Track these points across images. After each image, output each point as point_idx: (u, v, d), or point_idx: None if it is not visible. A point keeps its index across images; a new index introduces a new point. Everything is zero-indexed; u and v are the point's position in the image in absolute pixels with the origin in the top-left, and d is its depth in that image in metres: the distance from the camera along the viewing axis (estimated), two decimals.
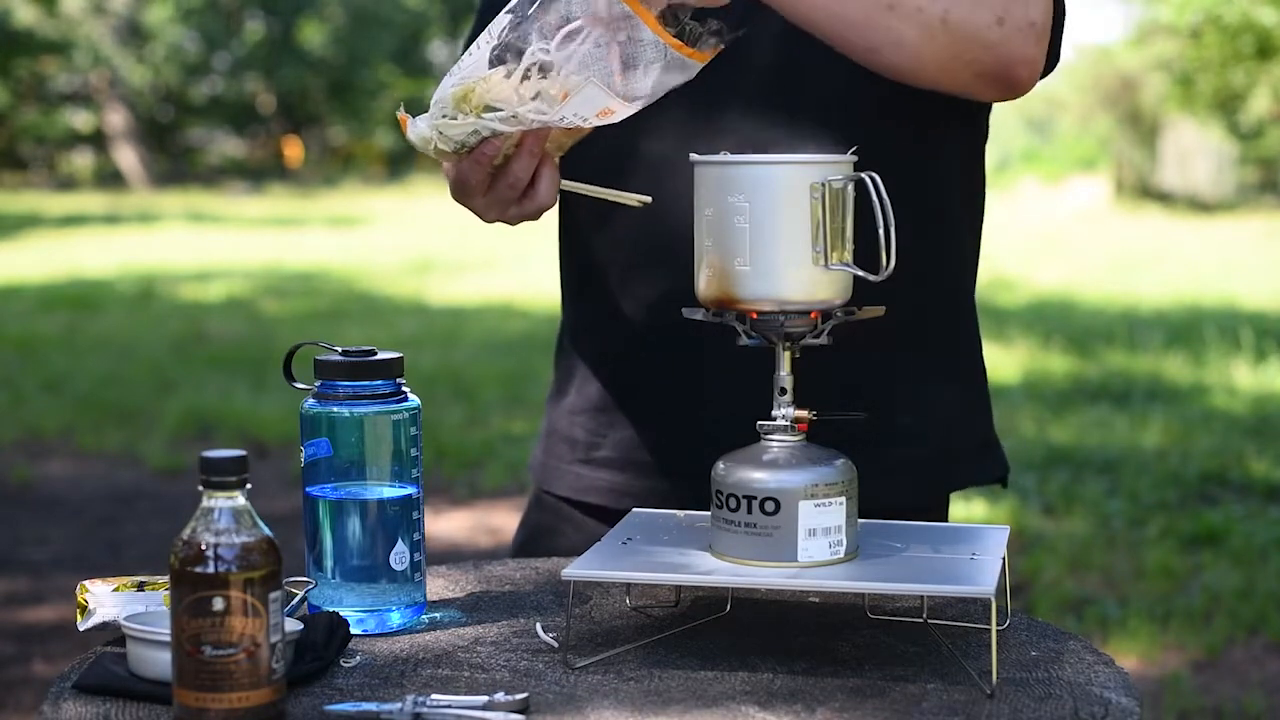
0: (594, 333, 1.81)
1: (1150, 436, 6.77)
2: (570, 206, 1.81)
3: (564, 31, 1.42)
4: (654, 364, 1.74)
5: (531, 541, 1.87)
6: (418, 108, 1.50)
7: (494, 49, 1.44)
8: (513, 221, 1.58)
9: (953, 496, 1.84)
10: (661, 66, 1.43)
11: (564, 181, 1.56)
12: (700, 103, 1.65)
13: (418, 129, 1.48)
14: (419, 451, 1.49)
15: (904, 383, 1.74)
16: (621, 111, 1.45)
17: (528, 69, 1.43)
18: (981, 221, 1.81)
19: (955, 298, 1.78)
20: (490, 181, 1.52)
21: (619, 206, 1.63)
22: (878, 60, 1.55)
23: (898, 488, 1.71)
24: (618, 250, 1.75)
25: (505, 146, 1.48)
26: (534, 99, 1.43)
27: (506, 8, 1.45)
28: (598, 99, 1.43)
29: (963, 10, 1.52)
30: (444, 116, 1.46)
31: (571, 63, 1.43)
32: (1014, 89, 1.58)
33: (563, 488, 1.83)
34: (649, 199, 1.58)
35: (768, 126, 1.66)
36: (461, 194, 1.56)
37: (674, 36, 1.43)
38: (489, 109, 1.44)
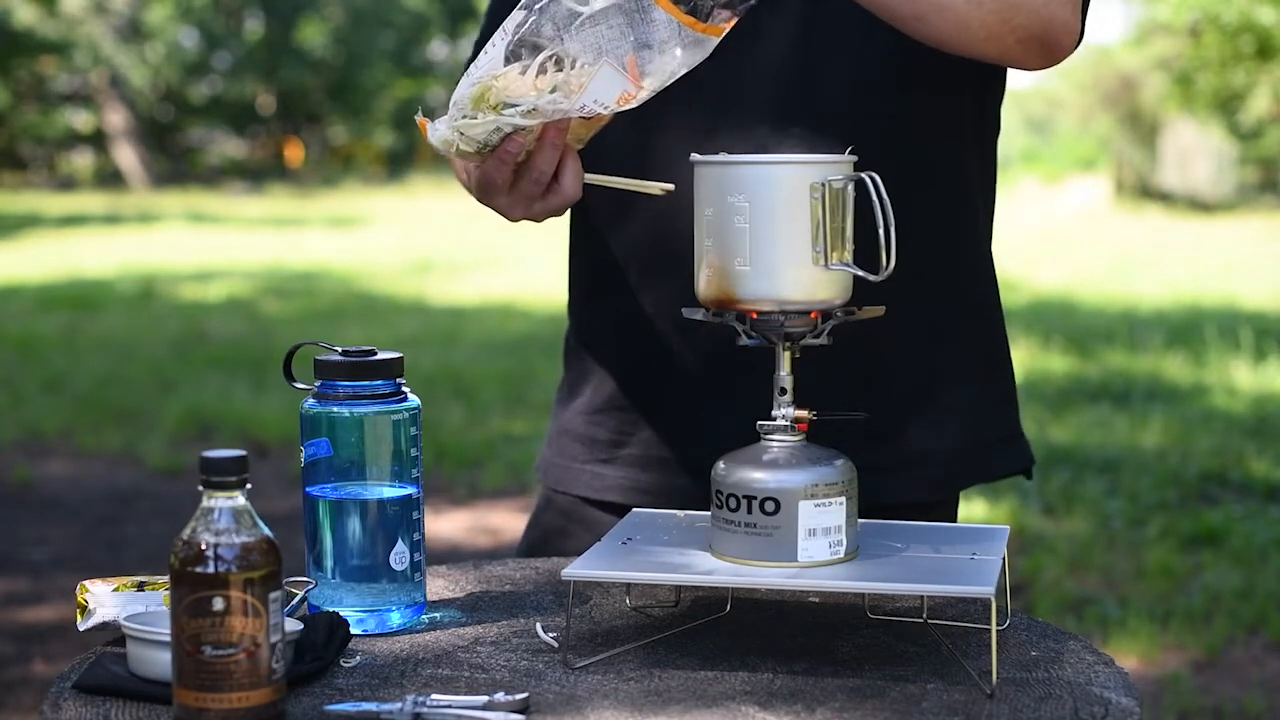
0: (612, 332, 1.80)
1: (1150, 436, 6.77)
2: (585, 207, 1.80)
3: (576, 19, 1.42)
4: (677, 362, 1.74)
5: (542, 543, 1.86)
6: (417, 108, 1.50)
7: (509, 45, 1.44)
8: (538, 218, 1.58)
9: (966, 490, 1.84)
10: (677, 46, 1.43)
11: (587, 175, 1.55)
12: (715, 101, 1.65)
13: (438, 132, 1.47)
14: (419, 451, 1.48)
15: (919, 379, 1.74)
16: (641, 95, 1.44)
17: (543, 63, 1.43)
18: (993, 218, 1.82)
19: (970, 294, 1.78)
20: (514, 179, 1.52)
21: (636, 206, 1.62)
22: (923, 28, 1.55)
23: (912, 483, 1.71)
24: (635, 250, 1.75)
25: (528, 142, 1.48)
26: (552, 91, 1.43)
27: (520, 3, 1.45)
28: (615, 83, 1.42)
29: None
30: (464, 117, 1.45)
31: (586, 50, 1.42)
32: (1054, 55, 1.59)
33: (579, 488, 1.82)
34: (671, 186, 1.57)
35: (783, 124, 1.66)
36: (486, 194, 1.55)
37: (686, 13, 1.43)
38: (508, 105, 1.44)
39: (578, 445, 1.83)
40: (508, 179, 1.51)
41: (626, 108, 1.45)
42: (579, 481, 1.82)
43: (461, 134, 1.46)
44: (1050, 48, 1.58)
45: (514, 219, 1.59)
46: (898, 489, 1.69)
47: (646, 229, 1.72)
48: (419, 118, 1.50)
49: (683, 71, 1.45)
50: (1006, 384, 1.82)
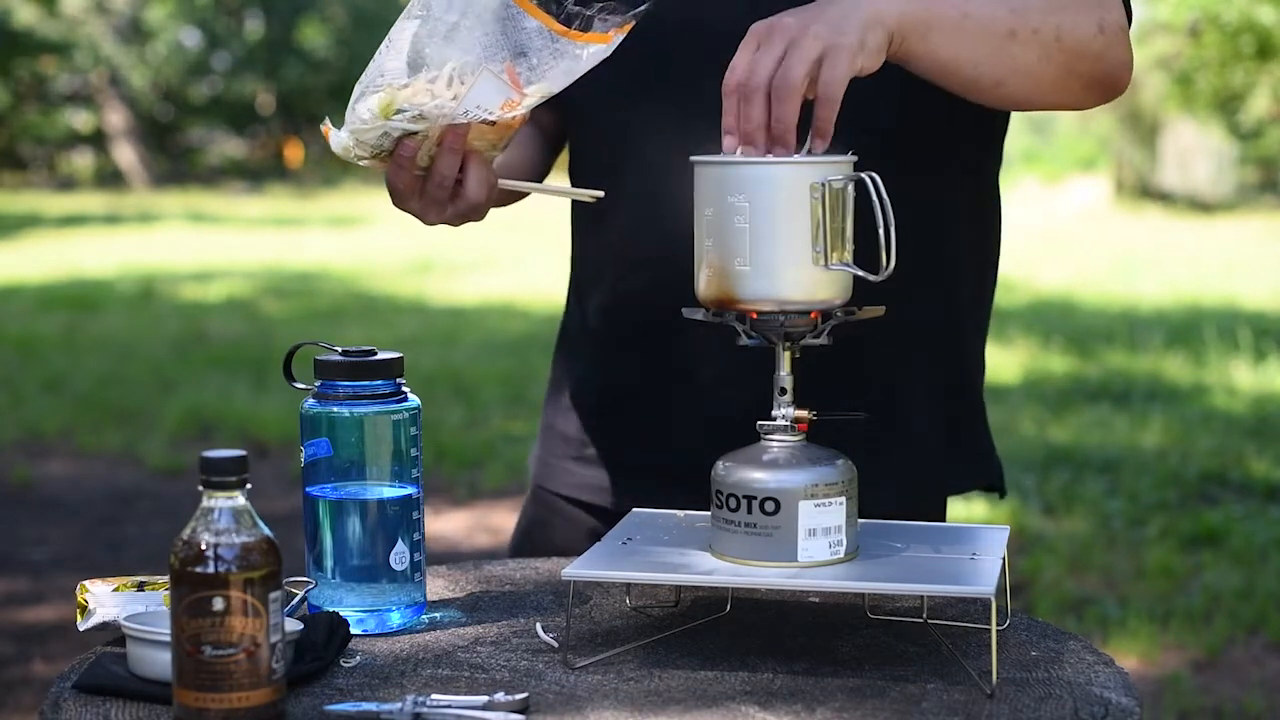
0: (590, 332, 1.82)
1: (1150, 436, 6.77)
2: (571, 208, 1.82)
3: (450, 27, 1.44)
4: (645, 364, 1.75)
5: (528, 532, 1.89)
6: (324, 117, 1.53)
7: (406, 54, 1.46)
8: (454, 223, 1.60)
9: (952, 499, 1.84)
10: (554, 54, 1.46)
11: (504, 180, 1.57)
12: (714, 102, 1.65)
13: (339, 139, 1.50)
14: (419, 451, 1.49)
15: (898, 390, 1.74)
16: (527, 101, 1.46)
17: (452, 73, 1.45)
18: (994, 237, 1.81)
19: (966, 302, 1.78)
20: (421, 184, 1.53)
21: (614, 207, 1.63)
22: (1002, 93, 1.56)
23: (886, 496, 1.71)
24: (611, 251, 1.76)
25: (426, 148, 1.49)
26: (452, 99, 1.45)
27: (404, 12, 1.47)
28: (497, 89, 1.45)
29: (1069, 25, 1.53)
30: (360, 123, 1.48)
31: (465, 57, 1.45)
32: (1114, 93, 1.61)
33: (555, 483, 1.85)
34: (601, 193, 1.60)
35: None
36: (397, 199, 1.58)
37: (559, 21, 1.45)
38: (398, 111, 1.46)
39: (558, 441, 1.85)
40: (410, 184, 1.53)
41: (513, 114, 1.47)
42: (555, 477, 1.85)
43: (357, 140, 1.48)
44: (1111, 88, 1.60)
45: (429, 223, 1.61)
46: (897, 495, 1.69)
47: (622, 231, 1.73)
48: (324, 126, 1.52)
49: (572, 78, 1.47)
50: (977, 401, 1.83)
